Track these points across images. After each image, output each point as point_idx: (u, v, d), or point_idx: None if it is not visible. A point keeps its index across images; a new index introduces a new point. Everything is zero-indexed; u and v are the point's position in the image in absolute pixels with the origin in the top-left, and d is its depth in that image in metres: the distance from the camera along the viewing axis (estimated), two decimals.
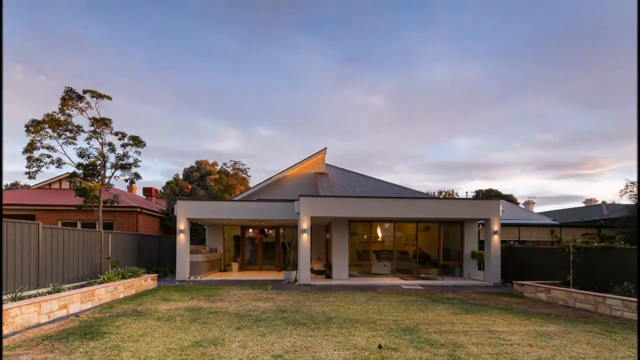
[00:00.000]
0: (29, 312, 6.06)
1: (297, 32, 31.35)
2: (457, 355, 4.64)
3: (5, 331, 5.48)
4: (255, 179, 51.57)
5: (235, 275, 15.15)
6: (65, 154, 13.27)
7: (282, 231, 17.63)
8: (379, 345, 5.03)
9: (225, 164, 32.31)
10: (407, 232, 15.36)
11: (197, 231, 20.52)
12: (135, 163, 14.57)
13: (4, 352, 4.60)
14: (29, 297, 6.78)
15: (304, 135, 59.46)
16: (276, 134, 55.81)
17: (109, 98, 13.64)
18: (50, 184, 20.65)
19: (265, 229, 17.35)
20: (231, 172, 31.48)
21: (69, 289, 8.03)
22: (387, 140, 61.85)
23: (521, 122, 48.02)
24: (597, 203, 29.36)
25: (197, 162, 33.00)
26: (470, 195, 34.46)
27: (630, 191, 15.14)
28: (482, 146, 59.95)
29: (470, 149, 58.67)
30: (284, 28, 31.00)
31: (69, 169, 13.86)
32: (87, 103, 13.38)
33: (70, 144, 13.31)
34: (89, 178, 13.88)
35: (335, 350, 4.78)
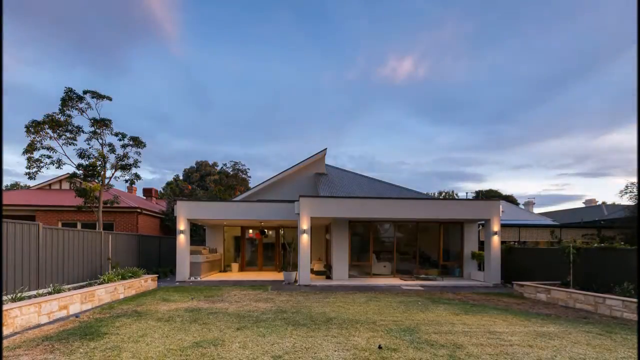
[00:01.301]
0: (29, 313, 6.06)
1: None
2: (457, 356, 4.64)
3: (5, 332, 5.49)
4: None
5: (235, 275, 15.15)
6: (66, 155, 13.28)
7: (282, 232, 17.63)
8: (379, 345, 5.03)
9: (225, 164, 32.32)
10: (407, 232, 15.36)
11: (197, 232, 20.52)
12: (135, 164, 14.57)
13: (4, 353, 4.60)
14: (29, 297, 6.78)
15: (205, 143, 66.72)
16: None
17: (109, 99, 13.65)
18: (50, 185, 20.66)
19: (265, 230, 17.35)
20: (231, 173, 31.48)
21: (69, 289, 8.03)
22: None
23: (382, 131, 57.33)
24: (597, 203, 29.37)
25: (197, 163, 33.01)
26: (471, 196, 34.46)
27: (630, 192, 15.15)
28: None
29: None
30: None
31: (69, 169, 13.87)
32: (87, 104, 13.39)
33: (70, 144, 13.31)
34: (89, 179, 13.88)
35: (335, 351, 4.78)
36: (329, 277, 14.23)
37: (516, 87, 41.15)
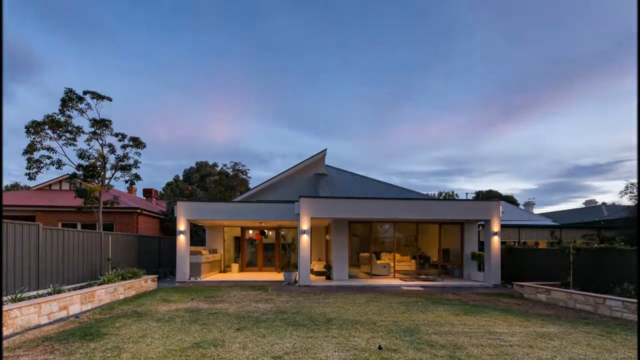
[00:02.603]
0: (29, 313, 6.06)
1: None
2: (457, 357, 4.64)
3: (5, 332, 5.48)
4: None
5: (235, 276, 15.14)
6: (66, 155, 13.28)
7: (282, 232, 17.63)
8: (379, 346, 5.03)
9: (225, 165, 32.31)
10: (407, 233, 15.36)
11: (197, 232, 20.51)
12: (135, 164, 14.57)
13: (4, 353, 4.60)
14: (29, 298, 6.78)
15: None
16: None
17: (109, 99, 13.65)
18: (50, 185, 20.66)
19: (266, 230, 17.35)
20: (231, 174, 31.47)
21: (69, 290, 8.03)
22: None
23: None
24: (597, 204, 29.38)
25: (197, 163, 32.98)
26: (471, 196, 34.45)
27: (631, 192, 15.14)
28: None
29: None
30: None
31: (69, 170, 13.84)
32: (88, 104, 13.40)
33: (70, 145, 13.30)
34: (89, 179, 13.88)
35: (335, 352, 4.78)
36: (329, 278, 14.23)
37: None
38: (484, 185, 67.66)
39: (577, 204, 69.80)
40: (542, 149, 56.92)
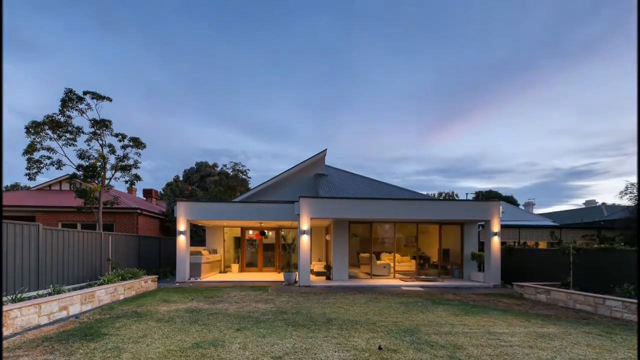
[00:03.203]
0: (29, 314, 6.06)
1: None
2: (457, 357, 4.64)
3: (5, 332, 5.49)
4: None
5: (235, 276, 15.14)
6: (66, 156, 13.29)
7: (282, 232, 17.63)
8: (379, 346, 5.03)
9: (225, 165, 32.32)
10: (407, 233, 15.36)
11: (197, 232, 20.51)
12: (136, 164, 14.58)
13: (4, 354, 4.60)
14: (29, 298, 6.78)
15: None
16: None
17: (109, 99, 13.66)
18: (50, 186, 20.66)
19: (266, 231, 17.34)
20: (231, 174, 31.47)
21: (69, 290, 8.03)
22: None
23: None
24: (597, 204, 29.39)
25: (197, 164, 32.96)
26: (470, 196, 34.43)
27: (630, 192, 15.15)
28: None
29: None
30: None
31: (69, 170, 13.84)
32: (88, 104, 13.41)
33: (70, 145, 13.32)
34: (89, 179, 13.89)
35: (335, 352, 4.78)
36: (329, 278, 14.22)
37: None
38: (468, 186, 68.27)
39: (567, 205, 70.31)
40: (518, 152, 57.95)
